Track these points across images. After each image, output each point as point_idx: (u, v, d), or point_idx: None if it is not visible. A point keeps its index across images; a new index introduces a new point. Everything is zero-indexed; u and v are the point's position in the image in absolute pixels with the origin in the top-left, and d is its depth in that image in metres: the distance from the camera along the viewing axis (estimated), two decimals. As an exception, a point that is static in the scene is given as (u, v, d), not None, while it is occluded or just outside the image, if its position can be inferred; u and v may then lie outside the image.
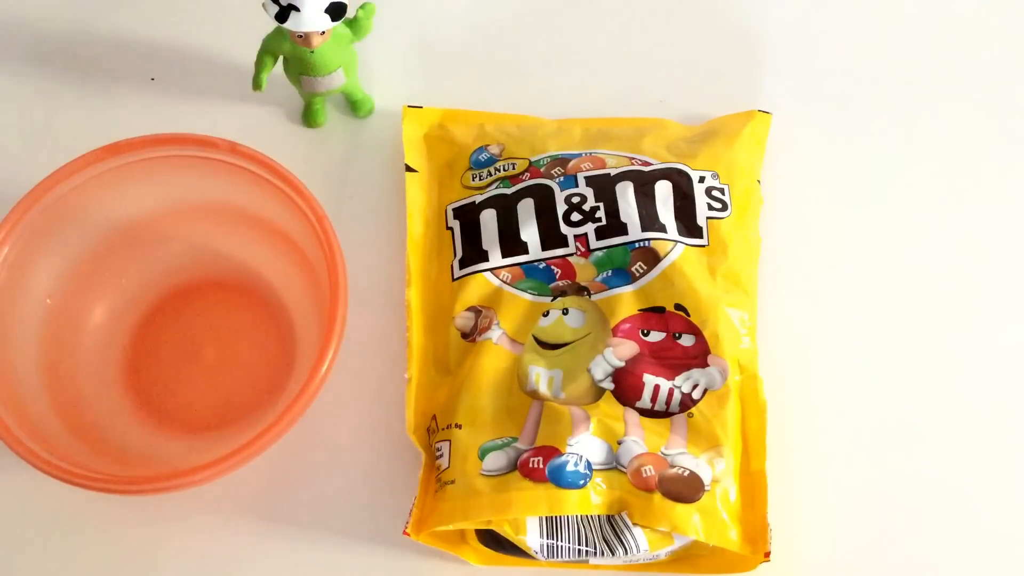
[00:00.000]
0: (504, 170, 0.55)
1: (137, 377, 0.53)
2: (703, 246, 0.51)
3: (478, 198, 0.54)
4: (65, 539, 0.50)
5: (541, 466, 0.45)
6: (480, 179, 0.55)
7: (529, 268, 0.52)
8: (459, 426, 0.47)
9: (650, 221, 0.51)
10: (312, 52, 0.53)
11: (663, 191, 0.53)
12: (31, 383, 0.49)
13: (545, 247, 0.52)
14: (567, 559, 0.46)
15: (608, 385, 0.48)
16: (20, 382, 0.48)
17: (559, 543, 0.45)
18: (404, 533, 0.45)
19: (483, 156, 0.56)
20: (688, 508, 0.45)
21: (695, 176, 0.53)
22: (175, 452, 0.51)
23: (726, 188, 0.54)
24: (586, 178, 0.53)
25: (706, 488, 0.45)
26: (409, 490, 0.48)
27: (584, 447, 0.46)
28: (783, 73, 0.61)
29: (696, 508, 0.45)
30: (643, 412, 0.47)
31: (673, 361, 0.48)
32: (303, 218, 0.49)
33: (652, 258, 0.50)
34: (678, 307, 0.49)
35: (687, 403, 0.47)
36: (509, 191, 0.54)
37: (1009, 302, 0.54)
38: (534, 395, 0.48)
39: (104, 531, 0.50)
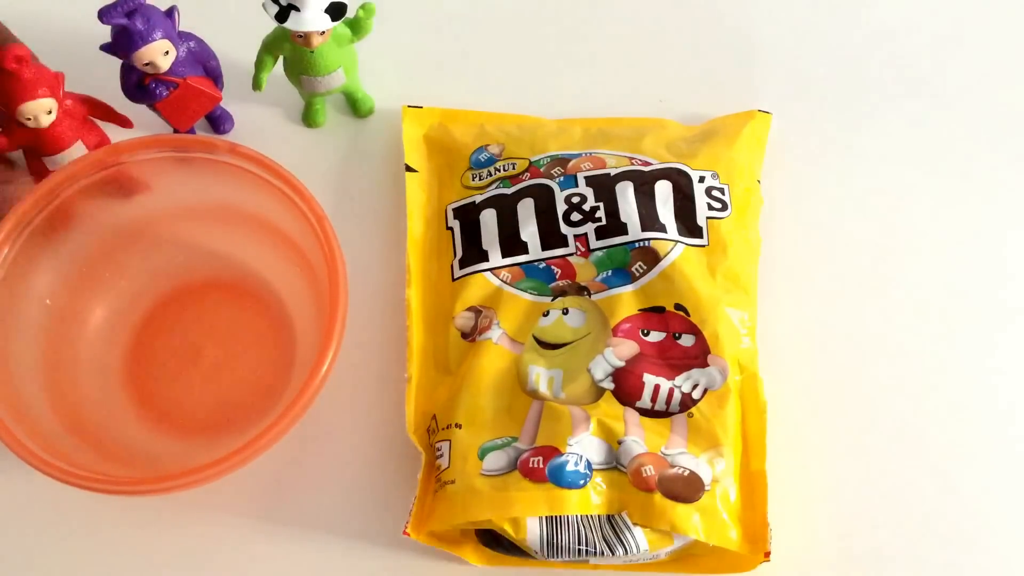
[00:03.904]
0: (504, 170, 0.55)
1: (137, 377, 0.53)
2: (703, 246, 0.51)
3: (478, 198, 0.54)
4: (65, 539, 0.50)
5: (541, 466, 0.45)
6: (480, 179, 0.55)
7: (529, 268, 0.52)
8: (459, 426, 0.47)
9: (650, 221, 0.51)
10: (312, 52, 0.53)
11: (663, 191, 0.53)
12: (31, 384, 0.49)
13: (545, 247, 0.52)
14: (567, 559, 0.46)
15: (608, 385, 0.48)
16: (20, 383, 0.48)
17: (559, 543, 0.45)
18: (404, 533, 0.45)
19: (483, 156, 0.56)
20: (688, 508, 0.45)
21: (695, 176, 0.53)
22: (175, 452, 0.51)
23: (726, 188, 0.54)
24: (586, 178, 0.53)
25: (706, 488, 0.45)
26: (409, 490, 0.48)
27: (584, 447, 0.46)
28: (783, 73, 0.61)
29: (696, 508, 0.45)
30: (643, 412, 0.47)
31: (673, 361, 0.48)
32: (303, 218, 0.49)
33: (652, 258, 0.50)
34: (678, 307, 0.49)
35: (687, 403, 0.47)
36: (509, 191, 0.54)
37: (1009, 302, 0.54)
38: (534, 395, 0.48)
39: (104, 531, 0.50)
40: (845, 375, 0.52)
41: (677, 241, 0.51)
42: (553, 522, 0.45)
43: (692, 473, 0.45)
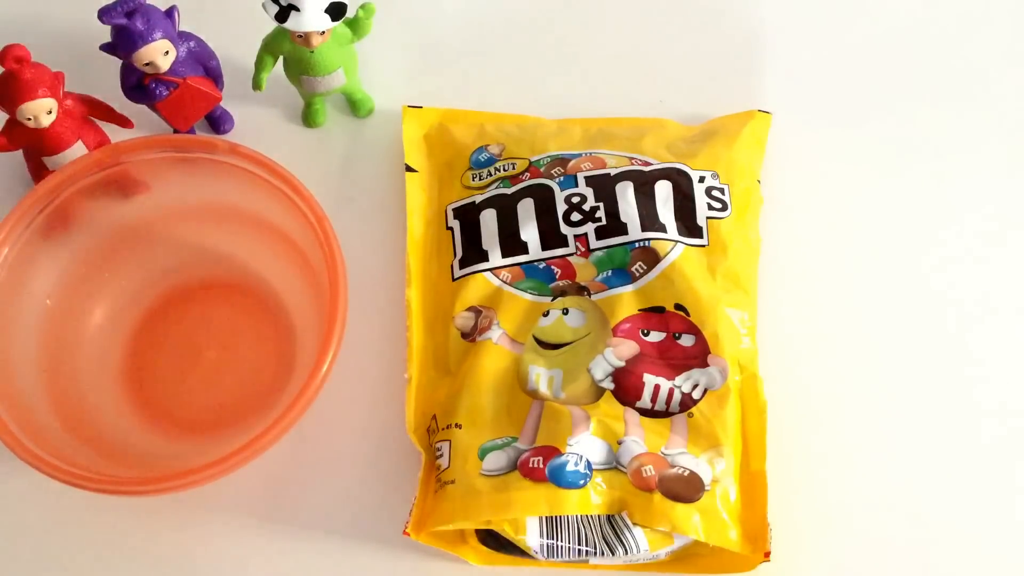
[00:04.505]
0: (504, 170, 0.55)
1: (137, 377, 0.53)
2: (703, 246, 0.51)
3: (478, 198, 0.54)
4: (65, 540, 0.50)
5: (541, 466, 0.45)
6: (480, 179, 0.55)
7: (529, 268, 0.52)
8: (459, 426, 0.47)
9: (650, 221, 0.51)
10: (312, 52, 0.53)
11: (663, 191, 0.53)
12: (31, 383, 0.49)
13: (545, 247, 0.52)
14: (567, 559, 0.46)
15: (608, 385, 0.48)
16: (20, 382, 0.48)
17: (559, 543, 0.45)
18: (404, 533, 0.45)
19: (483, 156, 0.56)
20: (688, 508, 0.45)
21: (695, 176, 0.53)
22: (175, 452, 0.51)
23: (726, 188, 0.54)
24: (586, 178, 0.53)
25: (706, 488, 0.45)
26: (409, 490, 0.48)
27: (584, 447, 0.46)
28: (783, 73, 0.61)
29: (696, 508, 0.45)
30: (643, 412, 0.47)
31: (673, 361, 0.48)
32: (303, 219, 0.49)
33: (652, 258, 0.50)
34: (678, 307, 0.49)
35: (687, 403, 0.47)
36: (509, 191, 0.54)
37: (1010, 301, 0.54)
38: (534, 395, 0.48)
39: (104, 531, 0.50)
40: (845, 375, 0.52)
41: (677, 241, 0.51)
42: (553, 522, 0.45)
43: (692, 473, 0.45)
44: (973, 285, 0.55)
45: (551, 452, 0.45)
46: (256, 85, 0.56)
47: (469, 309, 0.51)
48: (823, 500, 0.49)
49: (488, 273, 0.52)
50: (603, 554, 0.45)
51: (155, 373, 0.53)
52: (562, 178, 0.53)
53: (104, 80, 0.54)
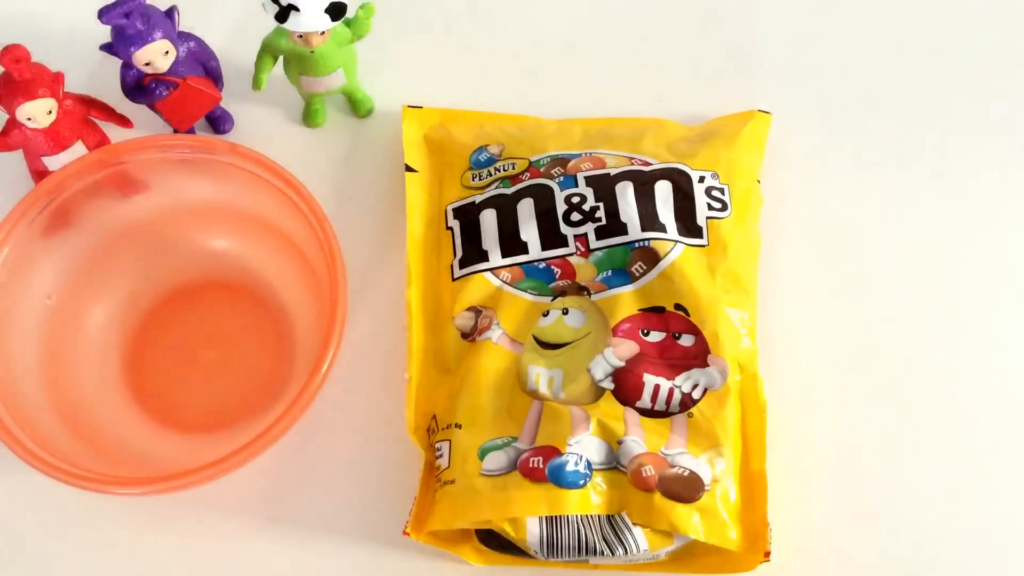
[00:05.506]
0: (504, 170, 0.55)
1: (137, 377, 0.53)
2: (703, 246, 0.51)
3: (478, 198, 0.54)
4: (64, 539, 0.50)
5: (541, 466, 0.45)
6: (480, 179, 0.55)
7: (529, 268, 0.52)
8: (459, 426, 0.47)
9: (650, 221, 0.51)
10: (312, 52, 0.53)
11: (663, 191, 0.53)
12: (31, 383, 0.49)
13: (545, 247, 0.52)
14: (567, 559, 0.46)
15: (608, 385, 0.48)
16: (20, 382, 0.48)
17: (559, 543, 0.45)
18: (404, 533, 0.45)
19: (483, 156, 0.56)
20: (688, 508, 0.45)
21: (695, 176, 0.53)
22: (175, 452, 0.51)
23: (726, 188, 0.54)
24: (586, 178, 0.53)
25: (706, 488, 0.45)
26: (409, 490, 0.48)
27: (584, 447, 0.46)
28: (783, 73, 0.61)
29: (696, 508, 0.45)
30: (643, 412, 0.47)
31: (673, 361, 0.48)
32: (303, 219, 0.49)
33: (652, 258, 0.50)
34: (678, 307, 0.49)
35: (687, 403, 0.47)
36: (509, 191, 0.54)
37: (1009, 302, 0.54)
38: (534, 395, 0.48)
39: (104, 531, 0.50)
40: (845, 375, 0.52)
41: (677, 241, 0.51)
42: (553, 522, 0.45)
43: (692, 473, 0.45)
44: (973, 284, 0.55)
45: (551, 452, 0.45)
46: (256, 85, 0.56)
47: (469, 309, 0.51)
48: (823, 500, 0.49)
49: (488, 273, 0.52)
50: (603, 554, 0.45)
51: (155, 373, 0.53)
52: (562, 178, 0.53)
53: (104, 80, 0.54)
